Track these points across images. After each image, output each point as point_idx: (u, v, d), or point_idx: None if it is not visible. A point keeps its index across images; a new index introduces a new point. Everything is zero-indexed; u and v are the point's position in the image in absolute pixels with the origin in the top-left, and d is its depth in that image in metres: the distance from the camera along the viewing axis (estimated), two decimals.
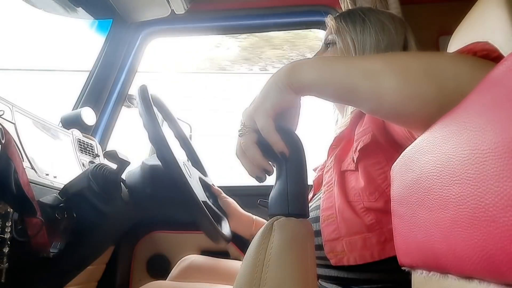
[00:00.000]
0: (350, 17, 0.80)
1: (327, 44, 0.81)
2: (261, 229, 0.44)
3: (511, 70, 0.24)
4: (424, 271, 0.39)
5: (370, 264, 0.61)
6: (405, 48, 0.77)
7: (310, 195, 0.84)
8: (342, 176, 0.68)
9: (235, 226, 0.94)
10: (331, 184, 0.70)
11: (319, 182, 0.81)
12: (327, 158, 0.79)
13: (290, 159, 0.46)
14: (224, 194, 0.98)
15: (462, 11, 0.85)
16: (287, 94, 0.46)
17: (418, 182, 0.38)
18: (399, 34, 0.78)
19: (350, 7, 1.13)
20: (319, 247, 0.67)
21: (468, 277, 0.29)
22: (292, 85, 0.45)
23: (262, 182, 0.50)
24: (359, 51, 0.76)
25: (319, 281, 0.73)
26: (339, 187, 0.66)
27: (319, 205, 0.70)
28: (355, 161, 0.65)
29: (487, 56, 0.40)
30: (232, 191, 0.99)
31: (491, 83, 0.26)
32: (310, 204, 0.79)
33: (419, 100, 0.37)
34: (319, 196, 0.74)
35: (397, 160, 0.46)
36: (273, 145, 0.46)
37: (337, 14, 0.83)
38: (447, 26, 0.77)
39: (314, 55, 0.83)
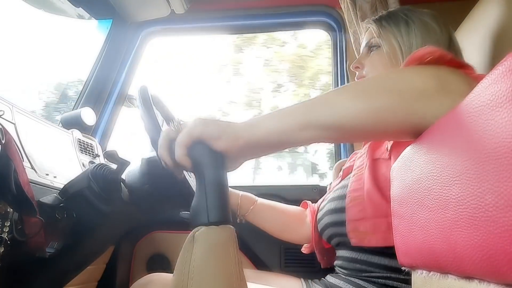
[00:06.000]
0: (393, 19, 0.78)
1: (371, 47, 0.80)
2: (185, 243, 0.44)
3: (511, 70, 0.24)
4: (424, 271, 0.39)
5: (386, 249, 0.62)
6: (450, 47, 0.76)
7: (337, 181, 0.85)
8: (374, 163, 0.70)
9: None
10: (361, 168, 0.72)
11: (348, 171, 0.83)
12: (362, 146, 0.82)
13: (207, 170, 0.47)
14: None
15: (462, 11, 0.85)
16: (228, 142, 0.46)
17: (418, 182, 0.38)
18: (444, 33, 0.76)
19: (350, 7, 1.13)
20: (341, 223, 0.69)
21: (468, 277, 0.29)
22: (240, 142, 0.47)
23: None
24: (406, 54, 0.75)
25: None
26: (369, 172, 0.68)
27: (347, 184, 0.73)
28: (388, 149, 0.66)
29: (434, 59, 0.45)
30: (241, 190, 0.98)
31: (491, 83, 0.25)
32: (336, 183, 0.82)
33: (382, 112, 0.41)
34: (349, 177, 0.77)
35: (397, 160, 0.46)
36: (177, 156, 0.48)
37: (377, 16, 0.82)
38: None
39: (355, 61, 0.82)
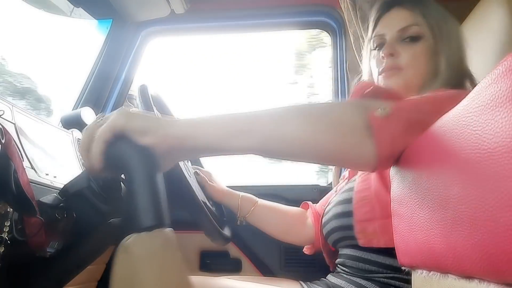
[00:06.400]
0: (435, 11, 0.71)
1: (409, 35, 0.71)
2: (116, 254, 0.40)
3: (511, 70, 0.24)
4: (424, 271, 0.39)
5: (392, 249, 0.60)
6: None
7: (344, 183, 0.84)
8: None
9: (226, 202, 0.94)
10: None
11: (354, 172, 0.81)
12: None
13: (133, 167, 0.41)
14: (212, 179, 0.95)
15: (462, 11, 0.85)
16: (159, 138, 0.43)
17: (418, 182, 0.38)
18: (464, 40, 0.73)
19: (350, 7, 1.13)
20: (349, 227, 0.68)
21: (468, 277, 0.29)
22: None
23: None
24: (445, 57, 0.69)
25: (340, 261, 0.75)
26: (377, 172, 0.66)
27: (353, 186, 0.71)
28: None
29: (371, 92, 0.49)
30: (241, 190, 0.98)
31: (491, 83, 0.25)
32: (343, 185, 0.80)
33: (316, 136, 0.44)
34: (354, 179, 0.74)
35: (397, 160, 0.46)
36: (92, 154, 0.43)
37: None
38: None
39: (388, 46, 0.73)
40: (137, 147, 0.42)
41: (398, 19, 0.73)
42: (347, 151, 0.44)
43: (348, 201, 0.70)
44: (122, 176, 0.62)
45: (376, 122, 0.43)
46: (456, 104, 0.31)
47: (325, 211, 0.81)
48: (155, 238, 0.39)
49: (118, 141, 0.42)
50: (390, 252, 0.62)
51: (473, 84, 0.71)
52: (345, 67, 1.30)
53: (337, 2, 1.19)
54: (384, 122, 0.43)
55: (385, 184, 0.64)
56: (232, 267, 1.15)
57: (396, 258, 0.61)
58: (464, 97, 0.29)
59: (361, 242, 0.65)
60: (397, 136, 0.43)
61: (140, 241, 0.39)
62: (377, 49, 0.77)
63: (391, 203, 0.49)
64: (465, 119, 0.28)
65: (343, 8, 1.18)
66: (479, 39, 0.77)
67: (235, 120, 0.44)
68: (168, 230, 0.40)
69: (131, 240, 0.39)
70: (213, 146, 0.44)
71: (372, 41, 0.79)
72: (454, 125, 0.31)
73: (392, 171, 0.48)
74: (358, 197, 0.68)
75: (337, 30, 1.35)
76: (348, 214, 0.69)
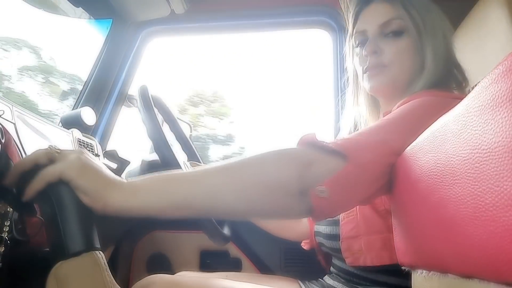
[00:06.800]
0: (419, 2, 0.67)
1: (388, 33, 0.67)
2: (47, 283, 0.41)
3: (511, 70, 0.24)
4: (424, 271, 0.39)
5: (385, 267, 0.58)
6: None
7: None
8: None
9: None
10: None
11: None
12: None
13: (60, 198, 0.43)
14: None
15: (461, 12, 0.85)
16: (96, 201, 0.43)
17: (419, 182, 0.38)
18: (452, 35, 0.70)
19: (350, 7, 1.13)
20: (336, 250, 0.67)
21: (468, 276, 0.29)
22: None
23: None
24: (435, 49, 0.65)
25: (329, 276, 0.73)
26: None
27: None
28: None
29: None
30: None
31: (491, 83, 0.26)
32: None
33: (254, 205, 0.46)
34: None
35: (398, 160, 0.46)
36: (30, 185, 0.44)
37: None
38: None
39: (370, 43, 0.69)
40: (72, 193, 0.43)
41: (379, 13, 0.69)
42: (283, 214, 0.48)
43: (336, 222, 0.68)
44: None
45: (316, 203, 0.44)
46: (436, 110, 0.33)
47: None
48: (83, 262, 0.40)
49: (60, 185, 0.43)
50: (381, 270, 0.60)
51: (461, 73, 0.68)
52: (345, 67, 1.30)
53: (337, 2, 1.19)
54: (325, 203, 0.44)
55: None
56: (232, 267, 1.15)
57: (389, 275, 0.59)
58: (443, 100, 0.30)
59: (348, 261, 0.64)
60: (343, 206, 0.49)
61: (69, 267, 0.40)
62: (359, 46, 0.73)
63: (391, 203, 0.49)
64: (465, 119, 0.28)
65: (343, 8, 1.18)
66: (478, 39, 0.77)
67: (173, 195, 0.45)
68: (97, 253, 0.42)
69: (60, 268, 0.40)
70: (153, 215, 0.45)
71: (353, 38, 0.75)
72: (454, 125, 0.31)
73: (393, 171, 0.48)
74: (344, 214, 0.66)
75: (337, 30, 1.35)
76: (335, 237, 0.68)
